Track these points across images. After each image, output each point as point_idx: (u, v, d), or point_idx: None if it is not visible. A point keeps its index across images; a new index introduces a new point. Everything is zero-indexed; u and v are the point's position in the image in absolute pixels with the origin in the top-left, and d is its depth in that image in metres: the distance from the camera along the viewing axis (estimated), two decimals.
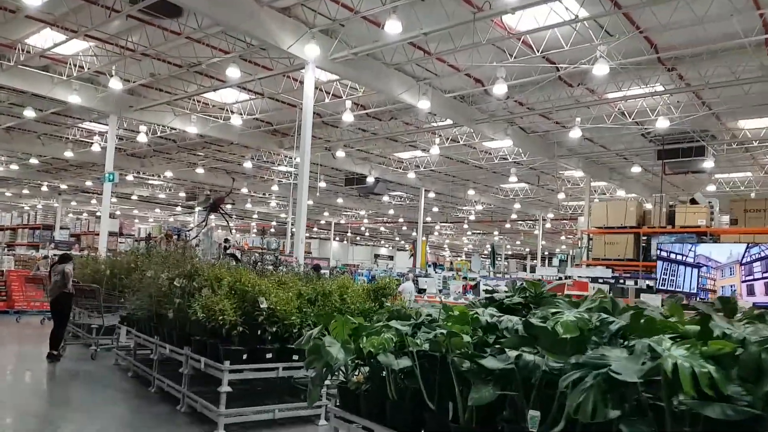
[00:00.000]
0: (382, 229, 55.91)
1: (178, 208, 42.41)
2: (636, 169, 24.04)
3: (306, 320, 5.25)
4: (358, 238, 65.86)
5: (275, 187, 32.85)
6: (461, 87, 16.42)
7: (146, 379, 7.02)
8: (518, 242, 59.36)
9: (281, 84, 16.62)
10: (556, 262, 36.32)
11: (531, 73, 14.36)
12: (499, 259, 52.03)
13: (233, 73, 14.34)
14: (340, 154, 23.51)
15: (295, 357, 5.24)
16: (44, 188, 35.68)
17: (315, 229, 53.52)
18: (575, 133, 17.74)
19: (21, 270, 16.33)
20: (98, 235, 30.72)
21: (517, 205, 34.45)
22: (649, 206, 15.75)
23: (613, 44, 12.15)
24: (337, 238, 58.85)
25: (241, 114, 19.13)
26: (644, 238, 14.99)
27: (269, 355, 5.15)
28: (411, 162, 26.88)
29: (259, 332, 5.23)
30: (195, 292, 6.04)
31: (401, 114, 19.52)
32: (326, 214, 45.56)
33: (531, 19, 11.73)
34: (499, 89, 14.23)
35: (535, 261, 63.88)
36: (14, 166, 30.20)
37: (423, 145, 23.28)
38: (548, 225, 42.83)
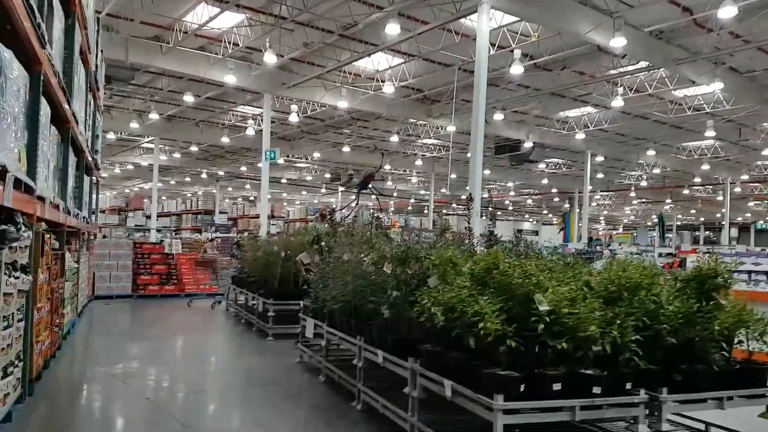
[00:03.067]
0: (529, 201, 52.37)
1: (323, 190, 42.77)
2: None
3: (610, 331, 3.36)
4: (499, 213, 62.83)
5: (419, 162, 31.33)
6: (663, 18, 13.38)
7: (347, 390, 5.59)
8: (693, 211, 52.24)
9: (440, 40, 14.78)
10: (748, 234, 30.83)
11: None
12: (669, 230, 46.31)
13: (392, 29, 12.78)
14: (498, 116, 21.15)
15: (597, 389, 3.38)
16: (203, 175, 37.51)
17: (453, 206, 51.60)
18: None
19: (189, 253, 16.38)
20: (253, 218, 31.97)
21: (705, 166, 29.39)
22: None
23: None
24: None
25: (392, 81, 17.61)
26: None
27: (557, 386, 3.34)
28: (578, 121, 23.76)
29: (536, 348, 3.43)
30: (413, 281, 4.44)
31: (576, 62, 16.75)
32: (468, 188, 43.29)
33: None
34: (727, 12, 11.14)
35: (708, 232, 56.47)
36: (177, 155, 31.79)
37: (597, 99, 20.13)
38: (737, 189, 36.62)
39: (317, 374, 6.32)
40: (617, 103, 18.45)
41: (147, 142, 28.31)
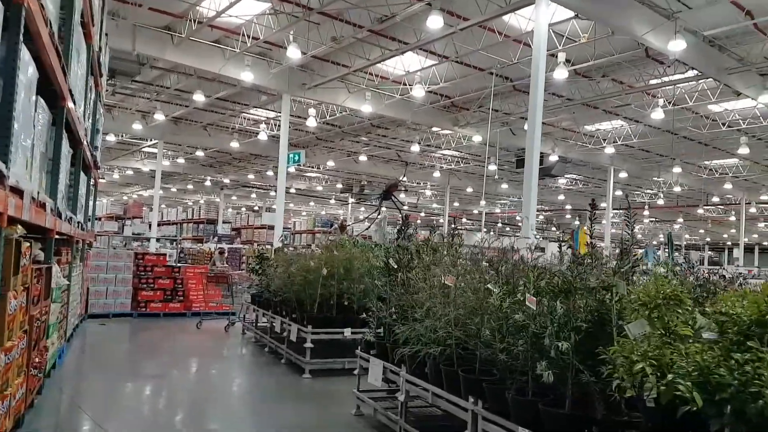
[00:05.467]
0: (541, 217, 50.98)
1: (332, 201, 41.27)
2: None
3: None
4: (507, 228, 61.49)
5: (437, 174, 29.88)
6: (721, 22, 12.05)
7: None
8: (702, 231, 51.19)
9: (480, 39, 13.41)
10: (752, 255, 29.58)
11: None
12: (677, 250, 45.00)
13: (435, 22, 11.39)
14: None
15: None
16: (207, 183, 36.04)
17: (463, 220, 50.15)
18: None
19: (197, 266, 14.81)
20: (258, 228, 30.42)
21: (727, 185, 28.23)
22: None
23: None
24: (484, 229, 55.01)
25: (422, 84, 16.18)
26: None
27: None
28: (605, 135, 22.41)
29: None
30: (578, 323, 2.92)
31: (618, 69, 15.43)
32: (483, 203, 41.98)
33: None
34: None
35: (711, 253, 55.17)
36: (180, 160, 30.31)
37: (633, 110, 18.77)
38: (752, 210, 35.47)
39: None
40: (657, 115, 17.15)
41: (149, 146, 26.82)
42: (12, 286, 3.48)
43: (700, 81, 15.32)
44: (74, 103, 6.23)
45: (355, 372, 5.23)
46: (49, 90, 4.89)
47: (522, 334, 3.12)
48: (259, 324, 9.56)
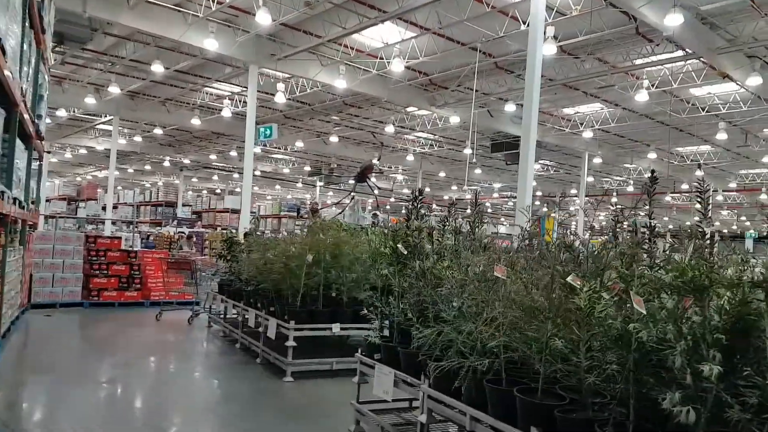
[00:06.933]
0: (510, 203, 50.94)
1: (299, 185, 39.96)
2: None
3: None
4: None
5: (410, 157, 28.98)
6: None
7: None
8: (666, 219, 52.16)
9: (467, 8, 12.52)
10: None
11: None
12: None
13: None
14: (509, 108, 19.04)
15: None
16: (166, 164, 34.26)
17: (433, 206, 49.60)
18: None
19: (155, 251, 13.59)
20: (220, 212, 29.04)
21: (698, 173, 28.33)
22: None
23: None
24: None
25: (401, 58, 15.18)
26: None
27: None
28: (583, 119, 21.95)
29: None
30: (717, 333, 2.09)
31: (605, 48, 14.82)
32: (454, 188, 41.49)
33: None
34: None
35: (672, 240, 56.46)
36: (138, 138, 28.56)
37: (616, 93, 18.26)
38: (719, 197, 36.02)
39: None
40: (641, 97, 16.70)
41: (104, 123, 25.04)
42: None
43: (688, 61, 14.84)
44: (2, 50, 5.07)
45: (354, 380, 4.28)
46: None
47: (619, 348, 2.26)
48: (227, 316, 8.53)
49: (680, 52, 14.15)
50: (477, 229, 3.89)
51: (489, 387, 2.90)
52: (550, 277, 2.61)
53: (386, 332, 4.19)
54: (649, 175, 3.20)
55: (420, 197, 4.34)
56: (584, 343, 2.43)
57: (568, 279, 2.48)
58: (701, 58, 14.24)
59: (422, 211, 4.26)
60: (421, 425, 3.43)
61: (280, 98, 17.77)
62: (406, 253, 4.04)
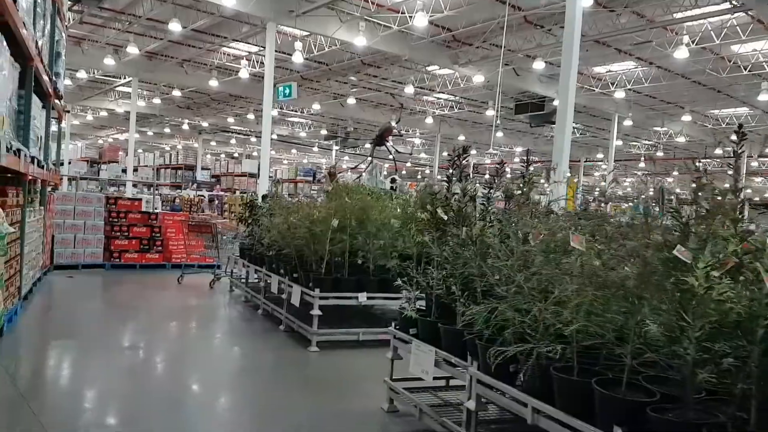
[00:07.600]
0: (531, 169, 50.01)
1: (315, 149, 39.55)
2: None
3: None
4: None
5: (429, 120, 28.30)
6: None
7: None
8: (694, 185, 50.72)
9: None
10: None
11: None
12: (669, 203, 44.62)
13: None
14: (538, 65, 18.16)
15: None
16: (185, 126, 34.04)
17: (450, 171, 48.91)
18: None
19: (176, 213, 13.43)
20: (238, 176, 28.89)
21: (733, 137, 27.22)
22: None
23: None
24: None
25: (424, 12, 14.49)
26: None
27: None
28: (616, 78, 21.03)
29: None
30: None
31: (642, 1, 13.97)
32: (474, 152, 40.65)
33: None
34: None
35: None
36: (156, 100, 28.29)
37: (653, 50, 17.29)
38: (753, 163, 34.66)
39: None
40: (680, 54, 15.69)
41: (123, 84, 24.78)
42: None
43: (735, 14, 13.86)
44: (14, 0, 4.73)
45: (388, 355, 3.99)
46: None
47: (739, 337, 1.91)
48: (249, 281, 8.33)
49: (726, 5, 13.24)
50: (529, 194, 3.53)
51: (558, 377, 2.57)
52: (650, 249, 2.24)
53: (419, 305, 3.88)
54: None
55: (465, 156, 3.93)
56: (695, 331, 2.07)
57: (675, 252, 2.12)
58: (749, 11, 13.31)
59: (467, 171, 3.89)
60: (468, 412, 3.14)
61: (297, 57, 17.22)
62: (446, 218, 3.70)
